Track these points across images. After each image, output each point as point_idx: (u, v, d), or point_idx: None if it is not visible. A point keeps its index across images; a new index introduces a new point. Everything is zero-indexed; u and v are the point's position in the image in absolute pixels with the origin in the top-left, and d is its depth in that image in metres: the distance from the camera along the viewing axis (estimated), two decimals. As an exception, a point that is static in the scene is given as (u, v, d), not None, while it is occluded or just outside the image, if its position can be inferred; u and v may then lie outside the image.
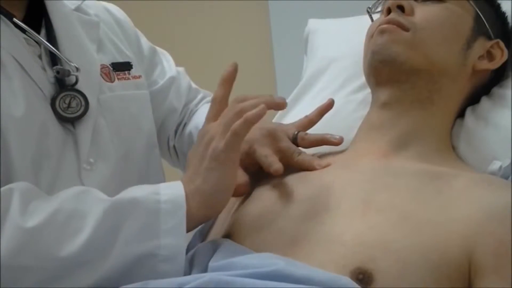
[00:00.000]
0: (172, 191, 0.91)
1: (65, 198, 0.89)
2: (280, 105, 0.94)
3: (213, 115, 0.95)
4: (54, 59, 1.03)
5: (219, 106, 0.96)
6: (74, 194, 0.91)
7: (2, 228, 0.85)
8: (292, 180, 1.01)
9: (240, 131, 0.88)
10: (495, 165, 1.03)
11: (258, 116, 0.88)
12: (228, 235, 0.98)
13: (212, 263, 0.88)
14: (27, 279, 0.85)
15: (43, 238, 0.85)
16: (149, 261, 0.87)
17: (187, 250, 0.92)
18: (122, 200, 0.90)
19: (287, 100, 1.28)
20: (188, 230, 0.91)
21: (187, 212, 0.89)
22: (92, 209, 0.88)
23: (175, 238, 0.88)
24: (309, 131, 1.09)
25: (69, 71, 1.02)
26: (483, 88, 1.12)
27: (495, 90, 1.13)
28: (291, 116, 1.21)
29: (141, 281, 0.85)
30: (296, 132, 1.07)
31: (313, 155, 1.07)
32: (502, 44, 1.11)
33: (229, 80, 0.97)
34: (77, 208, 0.88)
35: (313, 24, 1.42)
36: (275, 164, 1.00)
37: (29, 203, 0.88)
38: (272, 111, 0.95)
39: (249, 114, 0.88)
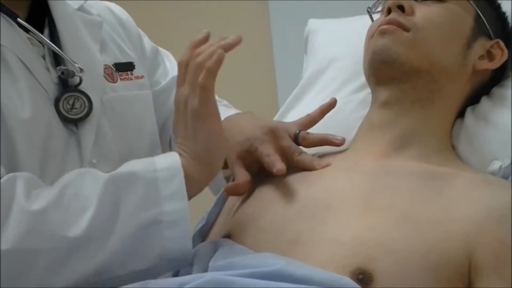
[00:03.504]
0: (167, 159, 0.92)
1: (67, 181, 0.91)
2: (236, 43, 0.94)
3: (181, 80, 0.95)
4: (57, 60, 1.03)
5: (184, 69, 0.94)
6: (74, 175, 0.92)
7: (10, 213, 0.86)
8: (293, 180, 1.01)
9: (207, 83, 0.89)
10: (495, 165, 1.03)
11: (218, 62, 0.89)
12: (228, 235, 0.98)
13: (212, 263, 0.89)
14: (38, 262, 0.86)
15: (50, 220, 0.87)
16: (154, 229, 0.88)
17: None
18: (119, 174, 0.91)
19: (287, 100, 1.30)
20: (192, 195, 0.92)
21: (188, 178, 0.90)
22: (93, 188, 0.90)
23: (176, 203, 0.89)
24: (309, 131, 1.09)
25: (73, 71, 1.02)
26: (483, 88, 1.12)
27: (495, 90, 1.13)
28: (291, 116, 1.21)
29: (152, 252, 0.87)
30: (297, 131, 1.07)
31: (313, 155, 1.07)
32: (502, 44, 1.11)
33: (198, 45, 0.95)
34: (79, 188, 0.90)
35: (313, 24, 1.42)
36: (277, 164, 1.00)
37: (32, 190, 0.89)
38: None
39: (209, 63, 0.89)
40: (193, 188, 0.92)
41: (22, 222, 0.86)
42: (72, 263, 0.87)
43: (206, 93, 0.90)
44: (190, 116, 0.91)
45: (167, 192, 0.90)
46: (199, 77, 0.89)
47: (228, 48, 0.91)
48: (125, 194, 0.89)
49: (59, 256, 0.86)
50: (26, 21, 1.01)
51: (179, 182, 0.90)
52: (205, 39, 0.94)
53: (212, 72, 0.89)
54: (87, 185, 0.90)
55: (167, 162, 0.92)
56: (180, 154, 0.92)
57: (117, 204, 0.89)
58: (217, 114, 0.92)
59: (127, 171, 0.92)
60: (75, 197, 0.89)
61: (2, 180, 0.89)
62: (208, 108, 0.91)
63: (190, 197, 0.91)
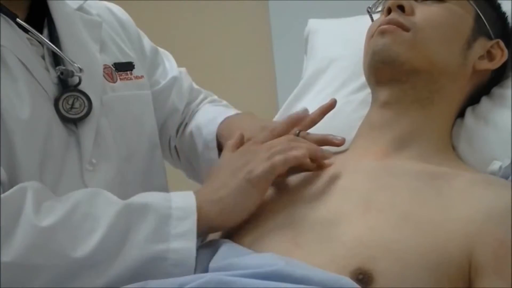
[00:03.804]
0: (183, 199, 0.93)
1: (79, 199, 0.90)
2: (322, 159, 1.01)
3: (261, 140, 1.00)
4: (56, 60, 1.03)
5: (271, 135, 1.01)
6: (87, 195, 0.91)
7: (17, 225, 0.85)
8: (293, 180, 1.01)
9: (279, 166, 0.94)
10: (495, 165, 1.03)
11: (298, 160, 0.96)
12: (228, 235, 0.98)
13: (212, 264, 0.89)
14: (39, 278, 0.85)
15: (57, 238, 0.86)
16: (159, 265, 0.88)
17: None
18: (134, 204, 0.91)
19: (287, 100, 1.30)
20: (203, 235, 0.93)
21: (203, 215, 0.91)
22: (104, 211, 0.89)
23: (185, 243, 0.89)
24: (309, 131, 1.09)
25: (72, 71, 1.02)
26: (483, 88, 1.12)
27: (495, 90, 1.13)
28: (291, 116, 1.21)
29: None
30: (297, 132, 1.07)
31: (313, 155, 1.07)
32: (502, 44, 1.11)
33: (295, 123, 1.04)
34: (90, 209, 0.89)
35: (313, 24, 1.42)
36: None
37: (42, 203, 0.89)
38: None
39: (291, 154, 0.95)
40: (206, 228, 0.93)
41: (29, 237, 0.85)
42: (72, 283, 0.86)
43: (272, 170, 0.94)
44: (244, 174, 0.94)
45: (178, 230, 0.90)
46: (279, 156, 0.94)
47: (315, 158, 1.00)
48: (136, 224, 0.89)
49: (61, 274, 0.86)
50: (26, 21, 1.01)
51: (191, 223, 0.90)
52: (303, 118, 1.04)
53: (289, 163, 0.95)
54: (99, 207, 0.90)
55: (184, 202, 0.92)
56: (208, 194, 0.93)
57: (126, 232, 0.88)
58: (265, 191, 0.96)
59: (142, 202, 0.92)
60: (85, 218, 0.88)
61: (11, 190, 0.88)
62: (264, 183, 0.95)
63: (202, 235, 0.93)
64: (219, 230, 0.99)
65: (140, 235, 0.88)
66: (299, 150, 0.96)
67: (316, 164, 1.01)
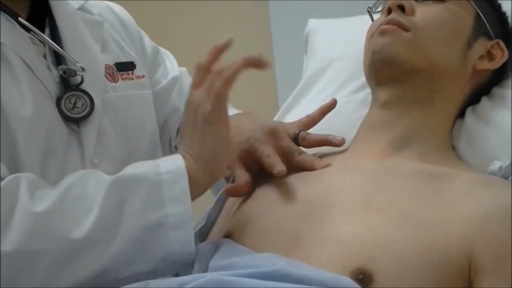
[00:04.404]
0: (171, 162, 0.93)
1: (70, 182, 0.91)
2: (258, 64, 0.94)
3: (197, 82, 0.95)
4: (58, 59, 1.03)
5: (203, 73, 0.95)
6: (78, 177, 0.92)
7: (13, 214, 0.86)
8: (293, 180, 1.01)
9: (222, 90, 0.91)
10: (495, 165, 1.03)
11: (235, 73, 0.92)
12: (228, 235, 0.98)
13: (212, 263, 0.89)
14: (42, 264, 0.86)
15: (54, 221, 0.87)
16: (158, 231, 0.89)
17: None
18: (124, 176, 0.92)
19: (287, 100, 1.30)
20: (194, 197, 0.93)
21: (191, 179, 0.91)
22: (96, 189, 0.90)
23: (180, 206, 0.90)
24: (309, 131, 1.09)
25: (75, 71, 1.02)
26: (483, 88, 1.12)
27: (495, 90, 1.13)
28: (292, 116, 1.21)
29: (155, 254, 0.88)
30: (297, 132, 1.07)
31: (313, 155, 1.07)
32: (502, 44, 1.11)
33: (219, 50, 0.96)
34: (83, 190, 0.90)
35: (313, 24, 1.42)
36: (278, 165, 1.00)
37: (36, 190, 0.89)
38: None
39: (229, 73, 0.91)
40: (195, 191, 0.92)
41: (26, 224, 0.85)
42: (75, 264, 0.87)
43: (220, 99, 0.92)
44: (200, 119, 0.92)
45: (171, 194, 0.90)
46: (216, 84, 0.91)
47: (249, 64, 0.93)
48: (129, 197, 0.89)
49: (62, 257, 0.86)
50: (27, 20, 1.01)
51: (183, 185, 0.90)
52: (227, 45, 0.96)
53: (230, 82, 0.91)
54: (91, 186, 0.90)
55: (172, 165, 0.92)
56: (184, 157, 0.93)
57: (121, 206, 0.89)
58: (226, 121, 0.93)
59: (131, 174, 0.92)
60: (79, 199, 0.89)
61: (5, 181, 0.89)
62: (219, 114, 0.92)
63: (192, 199, 0.91)
64: (211, 185, 0.98)
65: (135, 206, 0.89)
66: (233, 66, 0.92)
67: (257, 66, 0.94)
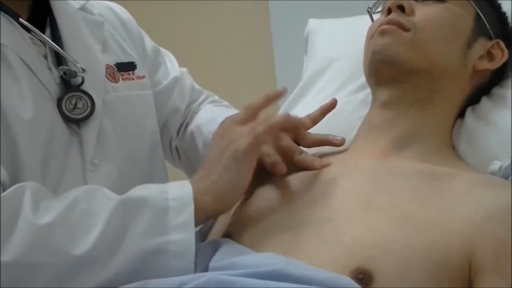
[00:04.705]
0: (179, 189, 0.92)
1: (76, 197, 0.90)
2: (299, 126, 1.03)
3: (242, 120, 0.98)
4: (59, 59, 1.03)
5: (249, 114, 0.98)
6: (84, 192, 0.91)
7: (16, 225, 0.85)
8: (293, 179, 1.01)
9: (263, 136, 0.93)
10: (495, 165, 1.03)
11: (281, 125, 0.95)
12: (228, 234, 0.98)
13: (212, 263, 0.89)
14: (39, 277, 0.85)
15: (56, 235, 0.86)
16: (159, 258, 0.88)
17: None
18: (131, 198, 0.91)
19: (287, 100, 1.30)
20: (198, 224, 0.93)
21: (199, 205, 0.91)
22: (102, 207, 0.89)
23: (184, 234, 0.89)
24: (309, 131, 1.09)
25: (75, 71, 1.02)
26: (483, 88, 1.12)
27: (495, 90, 1.13)
28: (292, 116, 1.21)
29: (153, 278, 0.86)
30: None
31: (313, 154, 1.07)
32: (502, 44, 1.11)
33: (273, 98, 1.01)
34: (88, 206, 0.89)
35: (313, 24, 1.42)
36: (278, 165, 1.01)
37: (40, 201, 0.88)
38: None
39: (273, 121, 0.94)
40: (201, 217, 0.92)
41: (28, 235, 0.85)
42: (73, 280, 0.86)
43: (257, 143, 0.93)
44: (230, 152, 0.93)
45: (176, 222, 0.89)
46: (259, 127, 0.93)
47: (288, 124, 0.99)
48: (134, 218, 0.89)
49: (62, 272, 0.86)
50: (28, 21, 1.01)
51: (189, 214, 0.90)
52: (281, 95, 1.01)
53: (272, 130, 0.94)
54: (97, 203, 0.89)
55: (180, 192, 0.92)
56: (193, 185, 0.92)
57: (125, 227, 0.88)
58: (253, 166, 0.94)
59: (138, 196, 0.91)
60: (83, 214, 0.88)
61: (10, 190, 0.88)
62: (250, 155, 0.93)
63: (197, 224, 0.92)
64: (216, 216, 0.98)
65: (138, 229, 0.88)
66: (279, 117, 0.96)
67: (295, 135, 1.02)
